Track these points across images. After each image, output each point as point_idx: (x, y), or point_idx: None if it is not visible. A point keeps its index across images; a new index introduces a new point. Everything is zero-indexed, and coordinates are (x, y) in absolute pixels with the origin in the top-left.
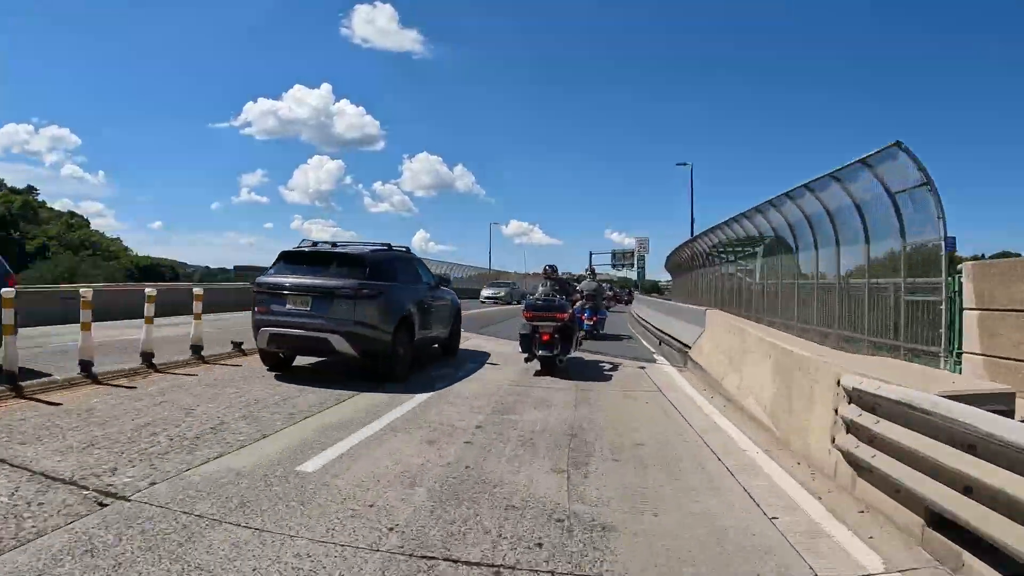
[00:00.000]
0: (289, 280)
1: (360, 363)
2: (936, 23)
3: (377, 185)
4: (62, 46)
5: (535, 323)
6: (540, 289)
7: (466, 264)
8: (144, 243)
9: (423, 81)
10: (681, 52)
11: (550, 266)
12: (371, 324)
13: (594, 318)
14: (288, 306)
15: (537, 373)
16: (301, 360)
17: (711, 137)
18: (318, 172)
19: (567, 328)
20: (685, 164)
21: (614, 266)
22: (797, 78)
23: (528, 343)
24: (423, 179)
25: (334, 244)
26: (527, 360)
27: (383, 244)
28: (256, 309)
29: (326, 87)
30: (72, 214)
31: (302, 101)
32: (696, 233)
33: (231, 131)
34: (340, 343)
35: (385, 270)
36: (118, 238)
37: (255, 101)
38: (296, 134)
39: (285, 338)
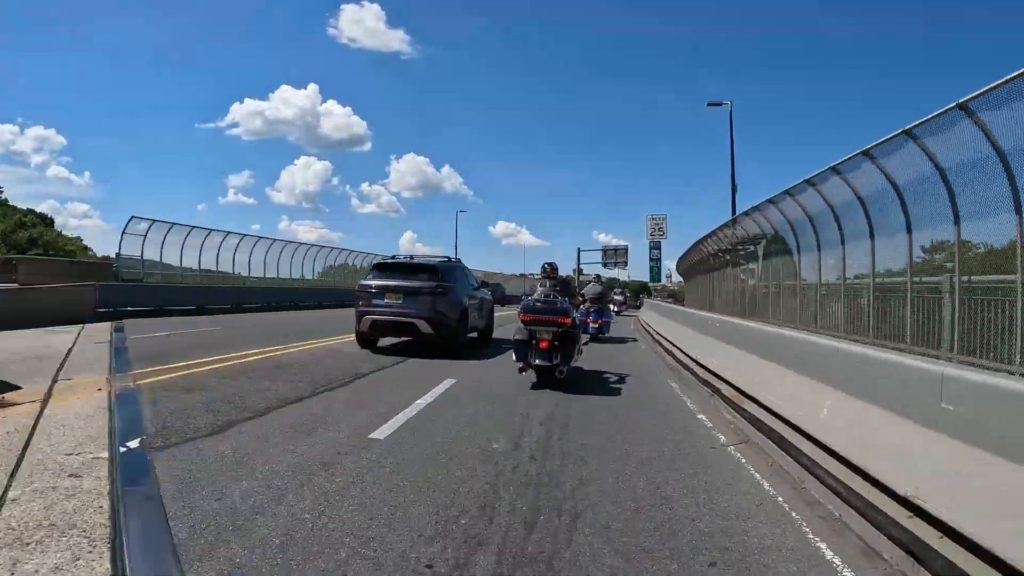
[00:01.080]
0: (385, 282)
1: (428, 342)
2: None
3: (364, 186)
4: (48, 46)
5: (532, 327)
6: (539, 290)
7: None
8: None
9: (410, 81)
10: (670, 51)
11: (550, 264)
12: (444, 313)
13: (599, 321)
14: (385, 300)
15: (534, 385)
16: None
17: (704, 136)
18: (305, 173)
19: (569, 334)
20: (721, 104)
21: (604, 264)
22: (787, 73)
23: (524, 350)
24: (410, 180)
25: (411, 257)
26: (521, 371)
27: (446, 257)
28: (359, 304)
29: (313, 87)
30: (30, 212)
31: (289, 101)
32: (738, 211)
33: (217, 132)
34: (424, 326)
35: (450, 275)
36: (78, 237)
37: (241, 102)
38: (283, 135)
39: (383, 324)
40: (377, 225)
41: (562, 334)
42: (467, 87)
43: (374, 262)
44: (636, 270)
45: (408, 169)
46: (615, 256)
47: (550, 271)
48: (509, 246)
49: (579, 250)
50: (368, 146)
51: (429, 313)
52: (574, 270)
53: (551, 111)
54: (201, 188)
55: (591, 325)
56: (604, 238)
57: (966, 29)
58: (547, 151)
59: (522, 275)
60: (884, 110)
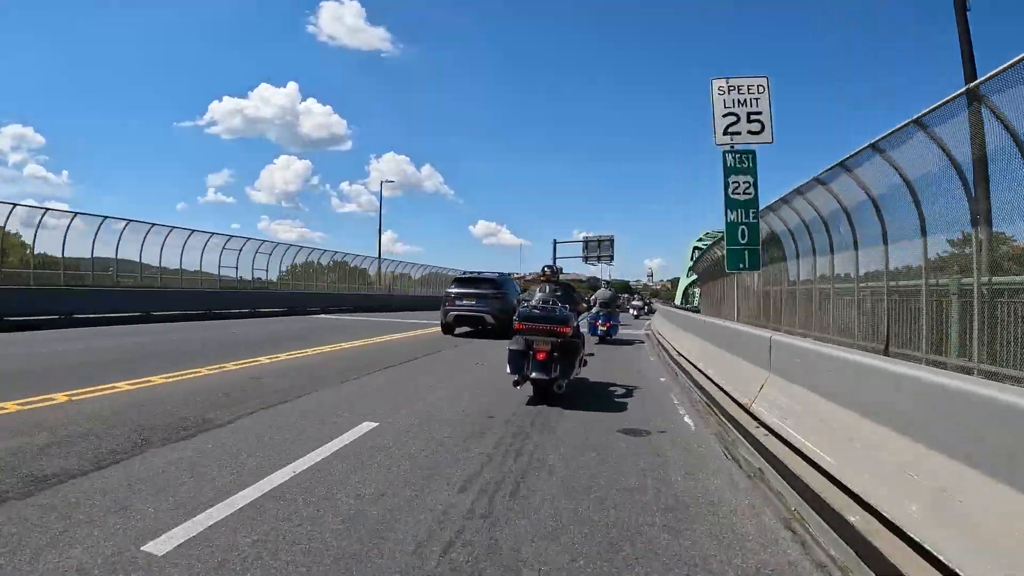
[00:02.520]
0: (463, 290)
1: (490, 329)
2: None
3: (344, 185)
4: (24, 45)
5: (530, 337)
6: (537, 295)
7: (435, 266)
8: (107, 244)
9: (391, 80)
10: (652, 52)
11: (550, 267)
12: (503, 311)
13: (607, 324)
14: (463, 302)
15: (530, 401)
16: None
17: (685, 137)
18: (285, 172)
19: (569, 345)
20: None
21: (586, 259)
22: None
23: (519, 362)
24: (390, 179)
25: (479, 273)
26: (516, 384)
27: (499, 272)
28: (445, 303)
29: (292, 86)
30: None
31: (268, 100)
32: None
33: (196, 130)
34: (489, 319)
35: (504, 285)
36: (17, 234)
37: (220, 100)
38: (262, 133)
39: (463, 317)
40: (357, 224)
41: (561, 344)
42: (449, 86)
43: (455, 277)
44: (622, 269)
45: (388, 168)
46: (598, 249)
47: (550, 274)
48: (489, 245)
49: (555, 242)
50: (348, 145)
51: (492, 311)
52: (547, 266)
53: (534, 110)
54: (180, 187)
55: (600, 328)
56: (586, 236)
57: None
58: (529, 150)
59: (511, 275)
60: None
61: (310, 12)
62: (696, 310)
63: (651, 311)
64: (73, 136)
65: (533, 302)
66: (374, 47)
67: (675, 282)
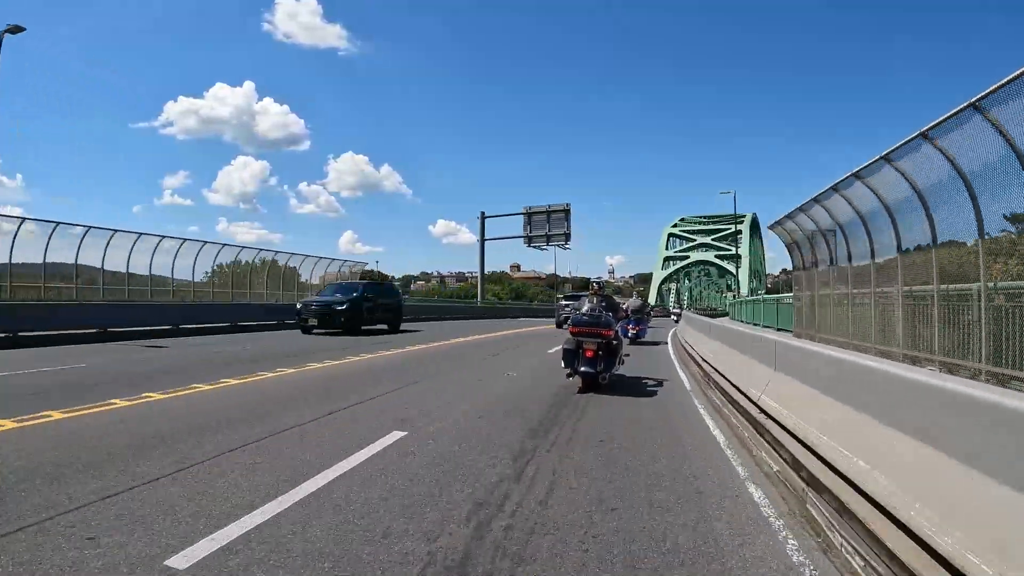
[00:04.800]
0: (574, 303)
1: None
2: None
3: (303, 186)
4: None
5: (580, 338)
6: (586, 305)
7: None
8: (60, 249)
9: (348, 79)
10: (618, 49)
11: (597, 283)
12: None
13: (637, 328)
14: (569, 308)
15: (580, 390)
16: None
17: (651, 137)
18: (243, 173)
19: (611, 345)
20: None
21: (529, 241)
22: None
23: (572, 358)
24: (349, 179)
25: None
26: (569, 376)
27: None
28: (559, 312)
29: (249, 85)
30: None
31: (224, 100)
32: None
33: (151, 131)
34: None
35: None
36: None
37: (176, 100)
38: (219, 134)
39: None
40: (316, 225)
41: (605, 345)
42: (406, 85)
43: (565, 293)
44: (582, 265)
45: (347, 168)
46: (547, 225)
47: (597, 289)
48: (449, 244)
49: (483, 215)
50: (306, 145)
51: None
52: (595, 281)
53: (492, 108)
54: (136, 189)
55: (630, 331)
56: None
57: None
58: (488, 149)
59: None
60: None
61: (265, 10)
62: (676, 312)
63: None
64: (26, 139)
65: (583, 310)
66: (331, 45)
67: (643, 278)
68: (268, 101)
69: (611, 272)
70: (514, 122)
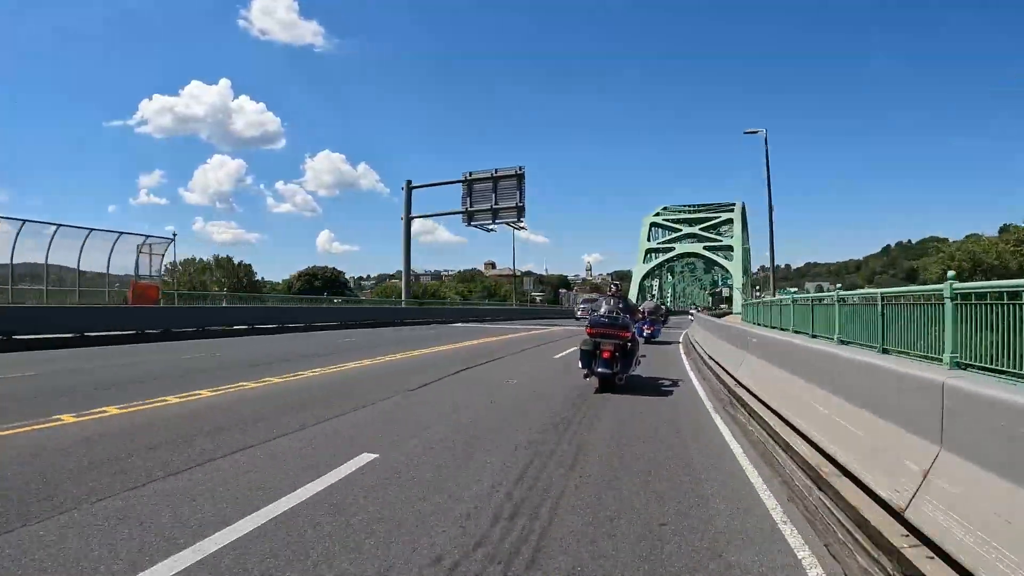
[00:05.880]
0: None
1: None
2: None
3: (279, 185)
4: None
5: (597, 339)
6: (604, 307)
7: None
8: (33, 250)
9: (325, 76)
10: (586, 47)
11: (616, 284)
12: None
13: (651, 328)
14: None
15: (597, 391)
16: None
17: (623, 133)
18: (218, 172)
19: (628, 347)
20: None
21: (470, 217)
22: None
23: (589, 359)
24: (326, 178)
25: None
26: (586, 376)
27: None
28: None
29: (224, 83)
30: None
31: (199, 98)
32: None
33: (126, 130)
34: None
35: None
36: None
37: (151, 99)
38: (195, 132)
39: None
40: (292, 225)
41: (622, 346)
42: (383, 82)
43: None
44: (559, 264)
45: (323, 167)
46: (492, 196)
47: (615, 291)
48: (426, 243)
49: (408, 184)
50: (282, 143)
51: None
52: (614, 283)
53: (468, 104)
54: (111, 189)
55: (645, 331)
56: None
57: None
58: (464, 147)
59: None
60: None
61: (241, 6)
62: (663, 312)
63: (663, 320)
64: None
65: (601, 312)
66: (307, 42)
67: (621, 275)
68: (244, 99)
69: (588, 270)
70: (492, 120)
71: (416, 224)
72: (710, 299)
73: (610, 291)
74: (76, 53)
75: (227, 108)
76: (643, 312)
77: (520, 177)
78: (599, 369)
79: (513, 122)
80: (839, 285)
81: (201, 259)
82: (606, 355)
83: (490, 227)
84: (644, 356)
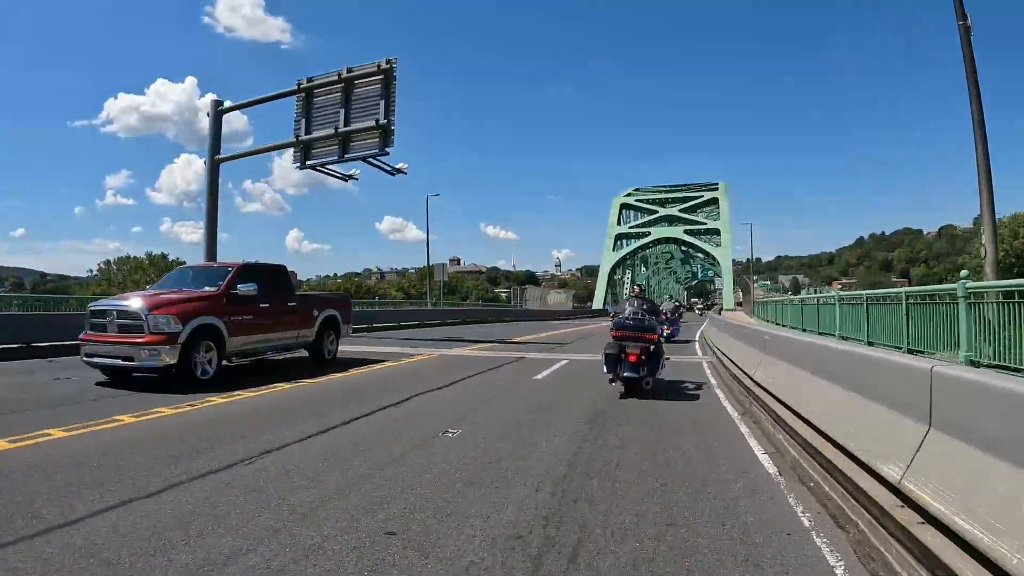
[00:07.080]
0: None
1: None
2: None
3: (247, 184)
4: None
5: (623, 342)
6: (628, 309)
7: None
8: (7, 253)
9: (291, 73)
10: (561, 38)
11: (640, 286)
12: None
13: (671, 328)
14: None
15: (622, 396)
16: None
17: (591, 123)
18: (186, 172)
19: (655, 350)
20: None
21: (306, 152)
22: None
23: (614, 363)
24: (294, 176)
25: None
26: (611, 381)
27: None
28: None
29: (191, 80)
30: None
31: (166, 96)
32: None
33: (92, 130)
34: None
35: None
36: None
37: (116, 98)
38: (161, 131)
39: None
40: (261, 224)
41: (649, 349)
42: None
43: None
44: (531, 259)
45: (292, 165)
46: (343, 115)
47: (639, 292)
48: (395, 241)
49: (216, 106)
50: (250, 142)
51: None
52: (638, 285)
53: (438, 101)
54: (78, 190)
55: (665, 331)
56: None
57: None
58: (434, 144)
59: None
60: None
61: (206, 2)
62: (681, 312)
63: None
64: None
65: (626, 314)
66: (274, 39)
67: (589, 271)
68: (211, 96)
69: (557, 266)
70: (493, 118)
71: (386, 222)
72: (684, 294)
73: (634, 292)
74: (38, 51)
75: (194, 106)
76: (666, 314)
77: (387, 75)
78: (625, 373)
79: (507, 115)
80: (828, 288)
81: (135, 257)
82: (632, 358)
83: (339, 172)
84: (668, 359)
